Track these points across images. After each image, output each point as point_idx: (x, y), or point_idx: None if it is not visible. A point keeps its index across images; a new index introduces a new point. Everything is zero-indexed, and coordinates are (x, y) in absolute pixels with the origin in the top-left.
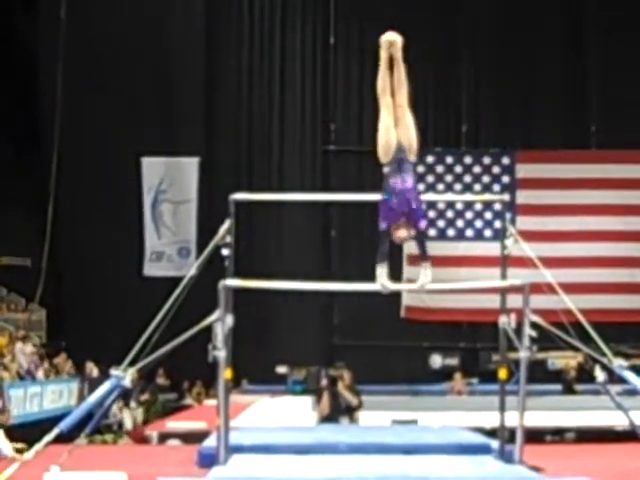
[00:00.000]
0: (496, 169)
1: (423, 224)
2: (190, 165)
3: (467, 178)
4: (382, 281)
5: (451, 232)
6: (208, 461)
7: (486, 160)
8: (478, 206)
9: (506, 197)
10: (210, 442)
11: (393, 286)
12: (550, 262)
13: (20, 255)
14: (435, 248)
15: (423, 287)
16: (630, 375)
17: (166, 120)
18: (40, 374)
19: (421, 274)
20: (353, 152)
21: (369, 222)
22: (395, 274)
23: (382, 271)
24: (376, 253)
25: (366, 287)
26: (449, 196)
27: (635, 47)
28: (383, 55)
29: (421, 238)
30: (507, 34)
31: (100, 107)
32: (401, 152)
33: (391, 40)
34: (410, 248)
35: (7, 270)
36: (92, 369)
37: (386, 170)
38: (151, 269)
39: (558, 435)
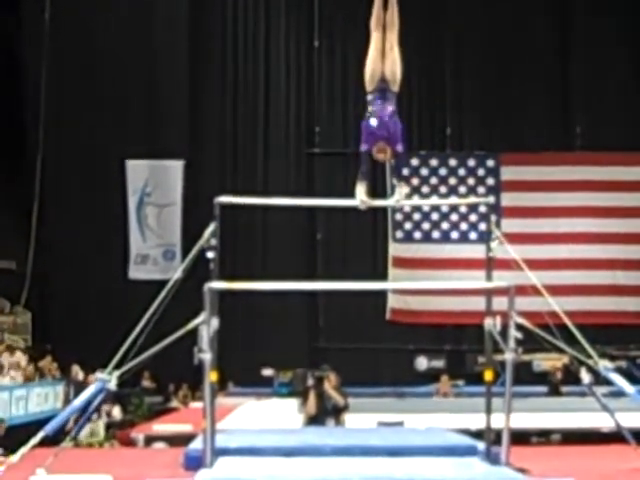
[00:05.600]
0: (481, 171)
1: (400, 147)
2: (175, 168)
3: (452, 180)
4: (361, 197)
5: (436, 234)
6: (194, 464)
7: (471, 162)
8: (463, 208)
9: (491, 199)
10: (196, 445)
11: (371, 202)
12: (535, 264)
13: (5, 258)
14: (420, 250)
15: (398, 203)
16: (615, 377)
17: (150, 123)
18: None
19: (396, 193)
20: (338, 155)
21: (355, 225)
22: (380, 275)
23: (361, 189)
24: (357, 173)
25: (352, 286)
26: (434, 200)
27: (619, 49)
28: None
29: (398, 160)
30: (491, 37)
31: (84, 110)
32: (384, 82)
33: None
34: (396, 251)
35: None
36: (77, 372)
37: (369, 98)
38: (136, 272)
39: (544, 437)
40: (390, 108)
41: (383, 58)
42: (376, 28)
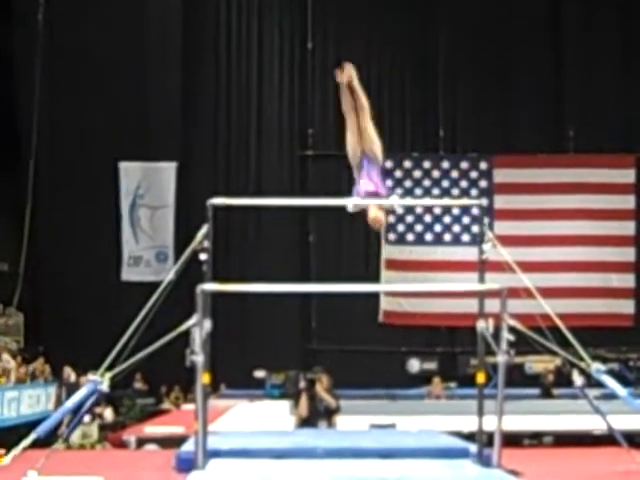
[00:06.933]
0: (474, 174)
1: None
2: (168, 170)
3: (445, 183)
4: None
5: (429, 237)
6: (186, 466)
7: (464, 165)
8: (456, 211)
9: (484, 202)
10: (188, 447)
11: (362, 202)
12: (528, 266)
13: None
14: (413, 253)
15: (392, 203)
16: (608, 379)
17: (143, 125)
18: None
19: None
20: (331, 156)
21: (347, 227)
22: (372, 277)
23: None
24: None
25: (344, 288)
26: (427, 200)
27: (613, 51)
28: (342, 82)
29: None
30: (485, 39)
31: (78, 112)
32: (366, 157)
33: (343, 77)
34: (389, 253)
35: None
36: (70, 374)
37: (355, 174)
38: (129, 274)
39: (536, 439)
40: (375, 179)
41: (360, 139)
42: (348, 112)
